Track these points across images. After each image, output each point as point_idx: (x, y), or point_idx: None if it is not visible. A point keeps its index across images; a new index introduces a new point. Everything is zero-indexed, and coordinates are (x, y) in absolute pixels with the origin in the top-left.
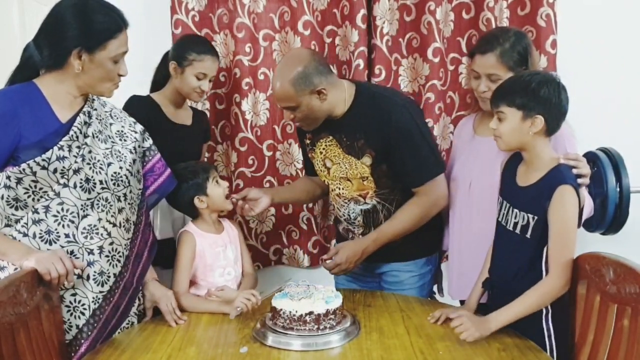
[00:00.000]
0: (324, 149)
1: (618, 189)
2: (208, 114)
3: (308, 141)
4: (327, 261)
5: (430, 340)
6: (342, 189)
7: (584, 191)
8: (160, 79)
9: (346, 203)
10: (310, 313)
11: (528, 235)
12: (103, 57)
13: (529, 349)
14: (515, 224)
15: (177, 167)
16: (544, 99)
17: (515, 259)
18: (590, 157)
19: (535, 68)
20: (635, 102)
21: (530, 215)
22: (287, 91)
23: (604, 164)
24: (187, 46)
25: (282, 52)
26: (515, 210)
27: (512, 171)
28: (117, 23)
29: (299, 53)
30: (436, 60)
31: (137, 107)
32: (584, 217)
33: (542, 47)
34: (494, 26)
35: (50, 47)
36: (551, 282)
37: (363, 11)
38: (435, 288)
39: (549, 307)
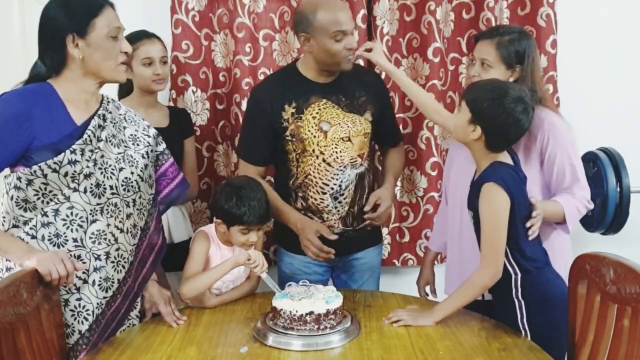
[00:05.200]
0: (317, 112)
1: (618, 189)
2: (208, 114)
3: (292, 112)
4: (376, 211)
5: (430, 340)
6: (341, 151)
7: (564, 199)
8: (125, 85)
9: (341, 170)
10: (311, 313)
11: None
12: (97, 37)
13: (529, 349)
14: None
15: (245, 183)
16: (487, 114)
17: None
18: (590, 157)
19: (535, 72)
20: (635, 102)
21: (471, 212)
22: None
23: (604, 164)
24: None
25: (282, 52)
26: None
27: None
28: (96, 0)
29: None
30: (436, 60)
31: None
32: (572, 221)
33: (542, 47)
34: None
35: (48, 48)
36: (480, 272)
37: (363, 11)
38: (428, 289)
39: (524, 311)
